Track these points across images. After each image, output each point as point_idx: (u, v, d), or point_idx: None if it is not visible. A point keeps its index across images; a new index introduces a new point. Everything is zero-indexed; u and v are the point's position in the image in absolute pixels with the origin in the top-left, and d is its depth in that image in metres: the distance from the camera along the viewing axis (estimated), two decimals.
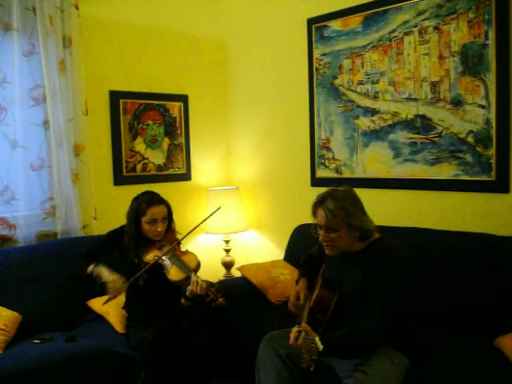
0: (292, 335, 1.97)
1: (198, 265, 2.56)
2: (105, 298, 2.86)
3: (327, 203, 2.12)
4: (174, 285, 2.52)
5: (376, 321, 2.00)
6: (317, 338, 1.90)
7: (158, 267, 2.54)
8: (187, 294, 2.52)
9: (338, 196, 2.13)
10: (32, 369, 2.19)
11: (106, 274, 2.53)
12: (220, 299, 2.38)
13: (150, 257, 2.57)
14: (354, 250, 2.18)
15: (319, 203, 2.16)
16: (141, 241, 2.61)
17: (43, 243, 3.04)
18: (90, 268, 2.57)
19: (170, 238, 2.66)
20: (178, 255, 2.58)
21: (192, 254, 2.65)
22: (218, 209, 2.68)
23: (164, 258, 2.54)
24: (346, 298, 2.17)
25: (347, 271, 2.20)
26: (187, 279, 2.47)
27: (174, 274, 2.50)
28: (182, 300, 2.58)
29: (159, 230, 2.58)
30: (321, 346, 1.87)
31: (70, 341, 2.46)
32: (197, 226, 2.63)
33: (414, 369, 2.10)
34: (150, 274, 2.55)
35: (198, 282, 2.41)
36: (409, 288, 2.10)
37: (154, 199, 2.61)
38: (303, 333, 1.92)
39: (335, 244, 2.15)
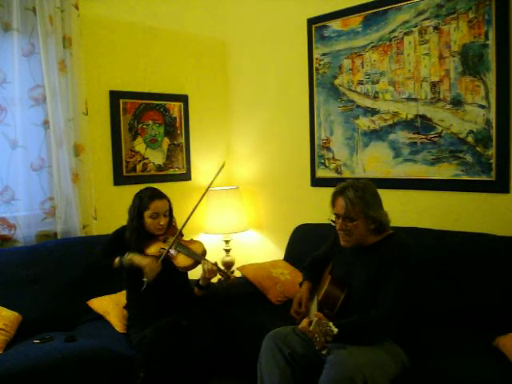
0: (304, 322, 2.02)
1: (205, 250, 2.66)
2: (106, 297, 2.87)
3: (348, 192, 2.16)
4: (182, 273, 2.62)
5: (385, 310, 2.04)
6: (330, 323, 1.93)
7: (164, 261, 2.56)
8: (200, 282, 2.64)
9: (359, 187, 2.18)
10: (32, 369, 2.18)
11: (138, 258, 2.56)
12: (231, 276, 2.49)
13: (155, 250, 2.61)
14: (367, 243, 2.21)
15: (339, 192, 2.21)
16: (143, 236, 2.64)
17: (43, 243, 3.04)
18: (117, 260, 2.59)
19: (171, 232, 2.70)
20: (183, 244, 2.65)
21: (197, 241, 2.75)
22: (223, 166, 2.75)
23: (170, 249, 2.58)
24: (356, 293, 2.19)
25: (359, 265, 2.22)
26: (196, 264, 2.57)
27: (182, 261, 2.58)
28: (195, 289, 2.68)
29: (162, 223, 2.64)
30: (335, 330, 1.90)
31: (70, 341, 2.46)
32: (200, 201, 2.69)
33: (413, 368, 2.10)
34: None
35: (208, 267, 2.52)
36: (418, 285, 2.14)
37: (156, 194, 2.67)
38: (316, 318, 1.95)
39: (352, 234, 2.18)
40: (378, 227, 2.19)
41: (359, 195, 2.15)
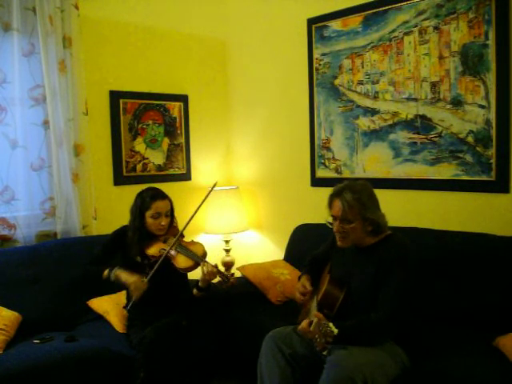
0: (304, 323, 2.01)
1: (205, 252, 2.64)
2: (106, 297, 2.87)
3: (345, 194, 2.16)
4: (182, 274, 2.61)
5: (385, 313, 2.04)
6: (331, 324, 1.93)
7: (164, 261, 2.56)
8: (200, 284, 2.62)
9: (356, 188, 2.18)
10: (32, 369, 2.18)
11: (124, 276, 2.54)
12: (231, 279, 2.56)
13: (156, 250, 2.61)
14: (365, 244, 2.21)
15: (336, 194, 2.20)
16: (144, 236, 2.64)
17: (43, 243, 3.04)
18: (106, 273, 2.58)
19: (173, 232, 2.70)
20: (184, 245, 2.64)
21: (198, 242, 2.74)
22: (215, 185, 2.72)
23: (171, 250, 2.58)
24: (355, 293, 2.19)
25: (357, 266, 2.22)
26: (196, 266, 2.56)
27: (182, 262, 2.57)
28: (195, 291, 2.66)
29: (163, 223, 2.63)
30: (335, 330, 1.90)
31: (70, 341, 2.46)
32: (196, 211, 2.67)
33: (413, 368, 2.10)
34: (155, 270, 2.56)
35: (208, 269, 2.51)
36: (417, 285, 2.15)
37: (158, 194, 2.67)
38: (316, 319, 1.95)
39: (348, 236, 2.18)
40: (375, 229, 2.18)
41: (356, 197, 2.14)
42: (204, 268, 2.53)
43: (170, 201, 2.70)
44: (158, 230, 2.65)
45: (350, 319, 2.10)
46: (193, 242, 2.73)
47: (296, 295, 2.43)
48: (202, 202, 2.68)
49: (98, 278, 2.62)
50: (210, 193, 2.73)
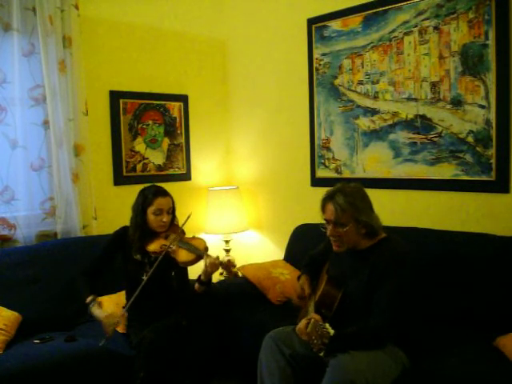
0: (301, 324, 2.00)
1: (206, 246, 2.64)
2: (106, 297, 2.88)
3: (337, 198, 2.14)
4: (182, 273, 2.61)
5: (384, 318, 2.02)
6: (327, 325, 1.92)
7: (166, 259, 2.56)
8: (202, 277, 2.61)
9: (348, 191, 2.16)
10: (32, 369, 2.18)
11: (97, 312, 2.51)
12: (233, 269, 2.56)
13: (157, 246, 2.61)
14: (360, 247, 2.19)
15: (329, 198, 2.18)
16: (145, 233, 2.64)
17: (43, 243, 3.04)
18: (89, 299, 2.55)
19: (174, 230, 2.70)
20: (185, 240, 2.64)
21: (199, 237, 2.74)
22: (189, 217, 2.64)
23: (172, 245, 2.58)
24: (351, 295, 2.18)
25: (353, 269, 2.21)
26: (198, 259, 2.55)
27: (183, 256, 2.56)
28: (196, 285, 2.65)
29: (165, 220, 2.63)
30: (332, 331, 1.90)
31: (70, 341, 2.46)
32: (185, 223, 2.67)
33: (413, 368, 2.10)
34: (156, 267, 2.55)
35: (210, 261, 2.50)
36: (413, 287, 2.12)
37: (160, 191, 2.68)
38: (313, 320, 1.95)
39: (342, 239, 2.17)
40: (369, 231, 2.16)
41: (349, 200, 2.13)
42: (206, 260, 2.53)
43: (172, 198, 2.71)
44: (160, 227, 2.65)
45: (347, 320, 2.09)
46: (194, 238, 2.73)
47: (294, 297, 2.43)
48: (183, 225, 2.67)
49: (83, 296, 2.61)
50: (186, 221, 2.67)
